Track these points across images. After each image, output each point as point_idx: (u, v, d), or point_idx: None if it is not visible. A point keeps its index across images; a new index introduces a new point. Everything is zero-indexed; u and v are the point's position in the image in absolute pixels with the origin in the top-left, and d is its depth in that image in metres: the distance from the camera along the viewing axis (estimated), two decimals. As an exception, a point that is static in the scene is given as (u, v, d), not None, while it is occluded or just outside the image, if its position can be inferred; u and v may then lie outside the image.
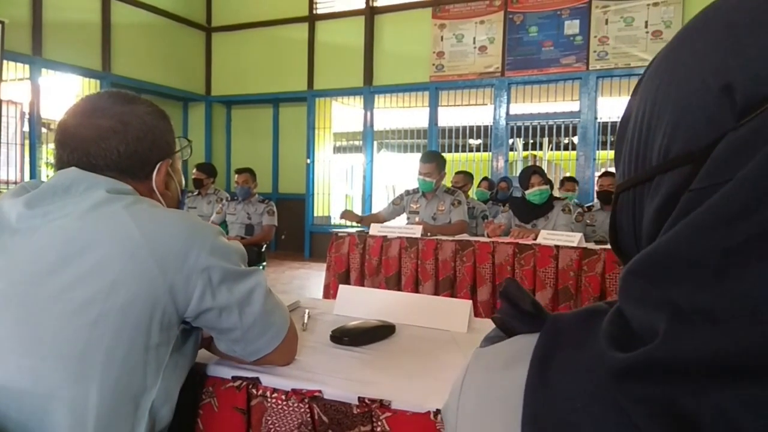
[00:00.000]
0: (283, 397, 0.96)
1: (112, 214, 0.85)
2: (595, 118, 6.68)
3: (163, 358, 0.87)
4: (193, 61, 8.81)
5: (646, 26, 6.29)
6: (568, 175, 7.02)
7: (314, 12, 8.22)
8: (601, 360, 0.29)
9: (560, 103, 7.05)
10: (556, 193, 5.23)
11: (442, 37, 7.34)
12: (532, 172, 3.96)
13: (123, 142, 0.93)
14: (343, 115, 8.91)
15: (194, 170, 5.05)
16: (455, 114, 7.67)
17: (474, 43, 7.16)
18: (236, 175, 4.75)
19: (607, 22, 6.49)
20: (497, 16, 7.03)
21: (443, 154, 8.02)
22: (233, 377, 1.00)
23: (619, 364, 0.28)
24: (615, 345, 0.29)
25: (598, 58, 6.54)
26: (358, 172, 8.25)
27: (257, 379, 0.98)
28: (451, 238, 3.68)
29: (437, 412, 0.86)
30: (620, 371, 0.27)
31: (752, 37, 0.28)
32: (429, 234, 3.80)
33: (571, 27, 6.65)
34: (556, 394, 0.31)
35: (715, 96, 0.29)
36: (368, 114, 7.94)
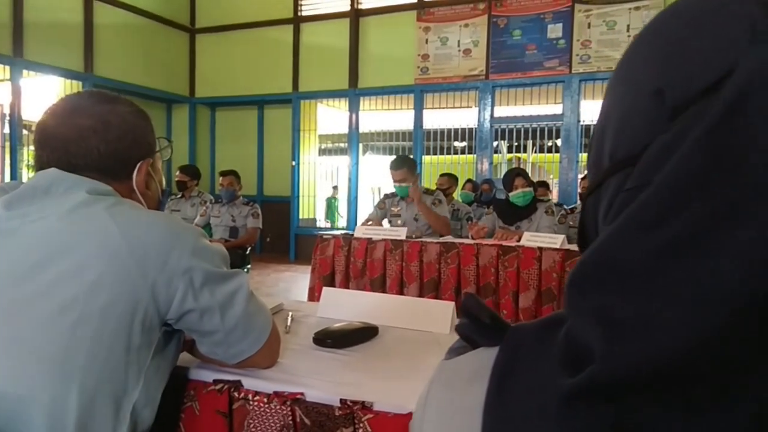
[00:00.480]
0: (265, 400, 0.95)
1: (93, 215, 0.85)
2: (578, 121, 6.75)
3: (145, 360, 0.86)
4: (177, 62, 8.75)
5: (627, 30, 6.37)
6: (542, 179, 7.09)
7: (299, 14, 8.20)
8: (554, 379, 0.29)
9: (544, 106, 7.11)
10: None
11: (426, 40, 7.37)
12: (516, 174, 3.99)
13: (103, 142, 0.92)
14: (329, 117, 8.91)
15: (177, 172, 5.01)
16: (440, 116, 7.70)
17: (458, 46, 7.20)
18: (221, 178, 4.72)
19: (589, 25, 6.56)
20: (481, 19, 7.07)
21: (428, 156, 8.11)
22: (215, 380, 1.00)
23: (565, 389, 0.27)
24: (563, 364, 0.29)
25: (580, 61, 6.61)
26: (343, 174, 8.24)
27: (239, 382, 0.98)
28: (435, 240, 3.70)
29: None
30: (566, 396, 0.27)
31: (678, 47, 0.30)
32: (414, 236, 3.81)
33: (554, 30, 6.72)
34: (513, 413, 0.31)
35: (650, 100, 0.31)
36: (353, 116, 7.94)
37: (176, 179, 4.96)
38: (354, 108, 7.91)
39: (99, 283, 0.80)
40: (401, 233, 3.76)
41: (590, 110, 6.77)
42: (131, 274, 0.82)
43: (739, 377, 0.24)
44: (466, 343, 0.41)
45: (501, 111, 7.36)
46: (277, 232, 8.36)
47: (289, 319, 1.36)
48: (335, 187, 10.53)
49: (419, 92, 7.48)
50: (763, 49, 0.26)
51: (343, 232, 4.22)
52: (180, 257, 0.86)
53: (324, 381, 0.99)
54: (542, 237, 3.48)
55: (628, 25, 6.37)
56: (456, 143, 7.96)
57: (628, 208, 0.28)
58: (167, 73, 8.48)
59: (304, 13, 8.21)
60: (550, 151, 8.56)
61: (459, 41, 7.20)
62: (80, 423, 0.79)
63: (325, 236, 4.02)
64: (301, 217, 8.40)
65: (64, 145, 0.91)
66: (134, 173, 0.97)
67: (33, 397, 0.77)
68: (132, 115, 0.97)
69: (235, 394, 0.98)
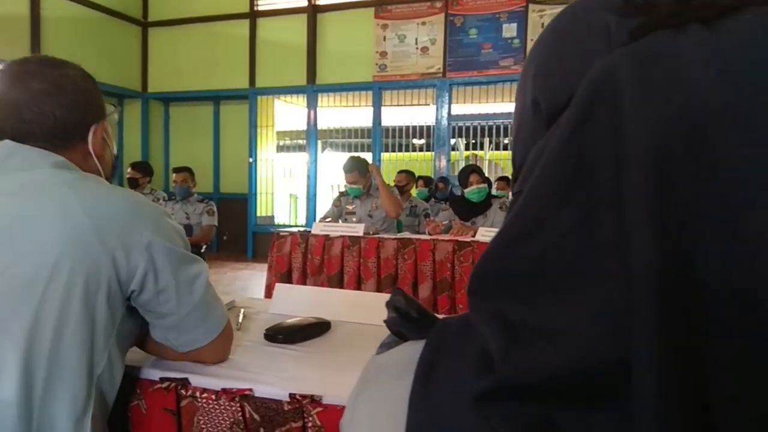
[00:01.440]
0: (213, 397, 0.95)
1: (53, 192, 0.84)
2: (533, 119, 6.89)
3: (109, 336, 0.86)
4: (129, 56, 8.50)
5: (579, 31, 6.54)
6: (503, 174, 7.22)
7: (255, 9, 8.09)
8: (470, 378, 0.30)
9: (500, 104, 7.23)
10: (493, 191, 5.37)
11: (384, 37, 7.38)
12: (471, 170, 4.05)
13: (58, 106, 0.90)
14: (286, 113, 8.82)
15: (129, 169, 4.87)
16: (399, 114, 7.73)
17: (416, 43, 7.24)
18: (174, 174, 4.62)
19: (543, 26, 6.70)
20: (438, 17, 7.13)
21: (387, 153, 8.12)
22: (161, 378, 0.98)
23: (477, 389, 0.28)
24: (477, 365, 0.30)
25: (535, 60, 6.75)
26: (302, 171, 8.18)
27: (186, 379, 0.97)
28: (392, 236, 3.72)
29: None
30: (478, 395, 0.28)
31: (549, 59, 0.32)
32: (371, 232, 3.83)
33: (509, 30, 6.83)
34: (436, 409, 0.31)
35: (531, 110, 0.33)
36: (312, 113, 7.89)
37: (127, 176, 4.82)
38: (312, 104, 7.86)
39: (62, 259, 0.80)
40: (359, 230, 3.77)
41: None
42: (94, 250, 0.82)
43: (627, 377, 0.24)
44: (396, 338, 0.41)
45: (458, 109, 7.44)
46: (234, 230, 8.24)
47: (241, 315, 1.35)
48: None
49: (377, 89, 7.49)
50: (609, 58, 0.27)
51: (303, 229, 4.21)
52: (142, 233, 0.86)
53: (274, 376, 0.99)
54: (496, 232, 3.54)
55: (580, 26, 6.53)
56: (415, 140, 8.01)
57: (506, 217, 0.30)
58: (118, 67, 8.23)
59: (260, 8, 8.10)
60: (506, 148, 8.70)
61: (417, 39, 7.24)
62: (47, 395, 0.79)
63: (282, 233, 3.99)
64: (259, 214, 8.30)
65: (18, 111, 0.88)
66: (89, 137, 0.95)
67: (1, 371, 0.77)
68: (82, 78, 0.95)
69: (183, 392, 0.97)
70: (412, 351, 0.36)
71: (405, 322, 0.40)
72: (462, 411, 0.30)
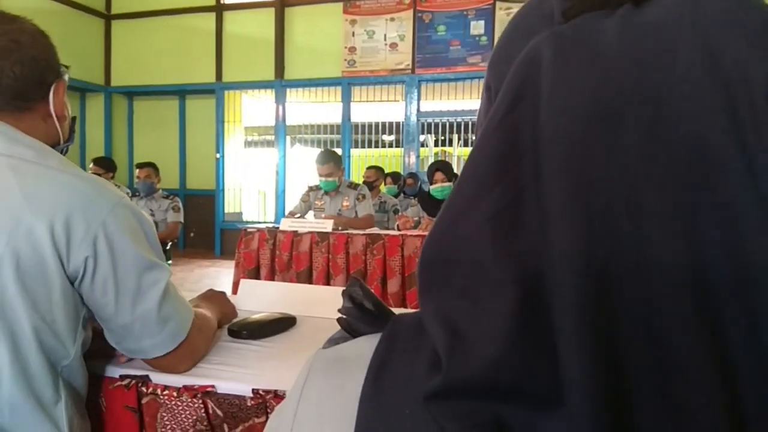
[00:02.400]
0: (175, 393, 0.94)
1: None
2: (501, 116, 6.96)
3: (76, 323, 0.84)
4: (91, 49, 8.29)
5: (545, 29, 6.63)
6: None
7: (221, 2, 7.97)
8: (421, 376, 0.30)
9: (468, 101, 7.28)
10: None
11: (353, 33, 7.36)
12: (436, 168, 4.08)
13: (18, 62, 0.84)
14: (254, 108, 8.73)
15: (91, 165, 4.75)
16: (368, 110, 7.73)
17: (385, 39, 7.24)
18: (137, 170, 4.53)
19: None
20: (407, 14, 7.14)
21: (357, 149, 8.11)
22: (121, 376, 0.97)
23: (427, 388, 0.29)
24: (431, 362, 0.30)
25: (502, 57, 6.81)
26: (271, 167, 8.10)
27: (147, 377, 0.96)
28: (361, 232, 3.72)
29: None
30: (428, 395, 0.29)
31: (502, 48, 0.35)
32: (340, 228, 3.82)
33: (477, 27, 6.89)
34: (386, 406, 0.31)
35: (485, 95, 0.35)
36: (280, 108, 7.82)
37: (90, 172, 4.70)
38: (281, 99, 7.79)
39: (7, 252, 0.76)
40: (327, 225, 3.76)
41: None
42: (40, 238, 0.77)
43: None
44: (346, 334, 0.41)
45: (427, 105, 7.47)
46: (201, 227, 8.13)
47: (205, 312, 1.33)
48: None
49: (347, 85, 7.46)
50: (536, 40, 0.28)
51: (271, 225, 4.17)
52: (90, 222, 0.81)
53: (237, 372, 0.98)
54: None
55: (546, 24, 6.62)
56: (384, 137, 8.02)
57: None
58: (81, 61, 8.01)
59: (226, 1, 7.98)
60: (474, 144, 8.77)
61: (386, 35, 7.24)
62: (15, 382, 0.78)
63: (249, 229, 3.96)
64: (226, 211, 8.20)
65: None
66: (50, 96, 0.90)
67: None
68: (40, 34, 0.90)
69: (144, 389, 0.95)
70: (365, 346, 0.35)
71: (360, 313, 0.40)
72: (413, 410, 0.29)
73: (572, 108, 0.25)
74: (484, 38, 6.86)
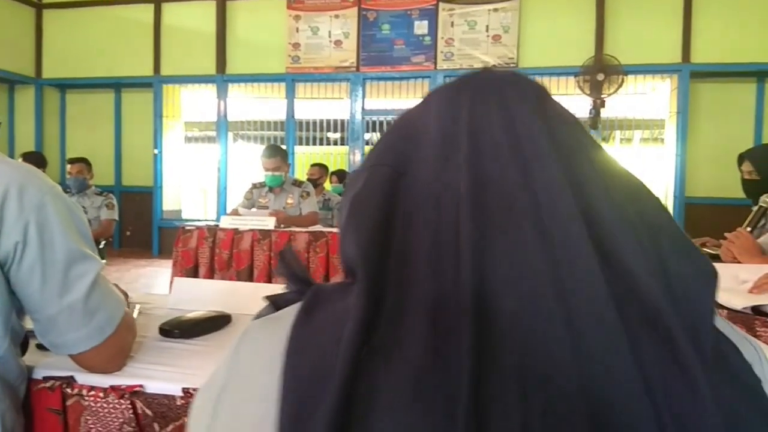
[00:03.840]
0: (101, 394, 0.91)
1: None
2: (444, 115, 7.05)
3: (4, 315, 0.84)
4: (21, 39, 7.85)
5: (487, 30, 6.77)
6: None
7: (161, -7, 7.72)
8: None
9: (412, 100, 7.30)
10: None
11: (297, 29, 7.29)
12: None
13: None
14: (195, 103, 8.49)
15: (20, 160, 4.52)
16: (313, 107, 7.67)
17: (329, 36, 7.21)
18: (69, 166, 4.35)
19: (452, 24, 6.88)
20: (351, 11, 7.14)
21: (301, 147, 8.04)
22: (45, 377, 0.93)
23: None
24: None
25: (444, 58, 6.92)
26: (212, 164, 7.91)
27: (72, 377, 0.93)
28: (304, 230, 3.70)
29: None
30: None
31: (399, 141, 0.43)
32: (282, 225, 3.78)
33: (421, 27, 6.96)
34: (316, 329, 0.36)
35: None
36: (222, 103, 7.65)
37: (18, 167, 4.47)
38: (222, 95, 7.63)
39: None
40: (270, 223, 3.72)
41: (454, 105, 7.08)
42: None
43: None
44: (273, 309, 0.44)
45: (372, 103, 7.49)
46: (138, 225, 7.85)
47: (136, 311, 1.30)
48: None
49: (290, 81, 7.39)
50: None
51: (213, 223, 4.08)
52: (23, 207, 0.81)
53: (166, 371, 0.96)
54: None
55: (487, 26, 6.76)
56: (329, 134, 7.98)
57: None
58: (9, 51, 7.58)
59: (166, -7, 7.73)
60: (418, 143, 8.85)
61: (330, 32, 7.21)
62: None
63: (187, 227, 3.86)
64: (165, 209, 7.95)
65: None
66: None
67: None
68: None
69: (68, 390, 0.92)
70: (290, 310, 0.40)
71: (292, 275, 0.45)
72: (337, 332, 0.34)
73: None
74: (427, 38, 6.94)
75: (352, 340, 0.32)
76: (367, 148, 7.96)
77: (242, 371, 0.37)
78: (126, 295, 1.27)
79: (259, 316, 0.43)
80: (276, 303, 0.44)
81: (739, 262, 1.96)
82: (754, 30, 6.08)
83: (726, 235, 2.09)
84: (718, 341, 0.35)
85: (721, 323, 0.37)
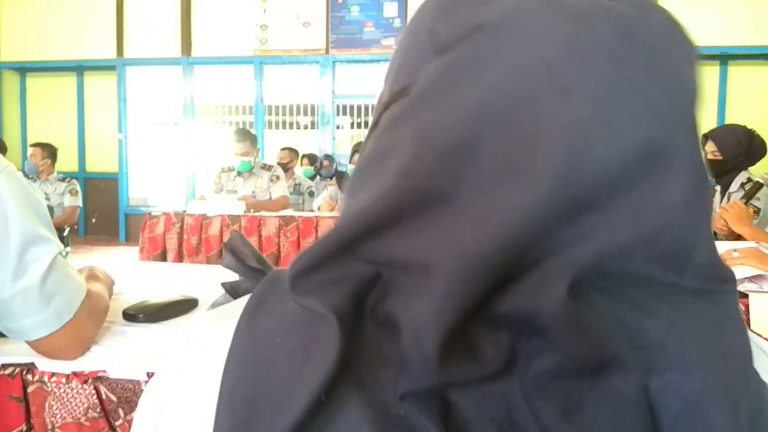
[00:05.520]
0: (64, 380, 0.90)
1: None
2: (414, 99, 7.04)
3: None
4: (-26, 20, 7.55)
5: (457, 13, 6.74)
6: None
7: (122, -28, 7.49)
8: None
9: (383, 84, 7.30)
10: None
11: (265, 10, 7.16)
12: (356, 150, 4.10)
13: None
14: (161, 86, 8.28)
15: (-23, 145, 4.38)
16: (282, 91, 7.56)
17: (298, 18, 7.10)
18: (31, 149, 4.23)
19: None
20: (320, -8, 7.04)
21: (271, 131, 7.93)
22: (4, 364, 0.91)
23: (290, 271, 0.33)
24: None
25: (415, 41, 6.87)
26: (179, 149, 7.76)
27: (32, 364, 0.91)
28: (275, 214, 3.67)
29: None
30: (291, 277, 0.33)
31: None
32: (252, 210, 3.75)
33: (390, 9, 6.90)
34: (259, 334, 0.32)
35: (425, 38, 0.34)
36: (188, 87, 7.49)
37: (-25, 153, 4.33)
38: (188, 78, 7.47)
39: None
40: (239, 208, 3.68)
41: (425, 88, 7.07)
42: None
43: None
44: (229, 297, 0.41)
45: (342, 87, 7.42)
46: (104, 212, 7.68)
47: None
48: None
49: (258, 64, 7.27)
50: None
51: (181, 209, 4.01)
52: None
53: (130, 356, 0.95)
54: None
55: (457, 9, 6.73)
56: (299, 119, 7.89)
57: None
58: (-37, 31, 7.29)
59: (128, -28, 7.50)
60: (389, 127, 8.82)
61: (298, 14, 7.09)
62: None
63: (154, 213, 3.79)
64: (131, 195, 7.79)
65: None
66: None
67: None
68: None
69: (29, 377, 0.91)
70: (242, 302, 0.36)
71: (243, 268, 0.40)
72: (283, 338, 0.31)
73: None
74: (397, 20, 6.89)
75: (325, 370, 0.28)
76: (338, 132, 7.95)
77: (186, 378, 0.34)
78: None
79: (214, 305, 0.41)
80: (233, 291, 0.41)
81: (731, 232, 2.17)
82: (718, 12, 6.20)
83: (722, 205, 2.34)
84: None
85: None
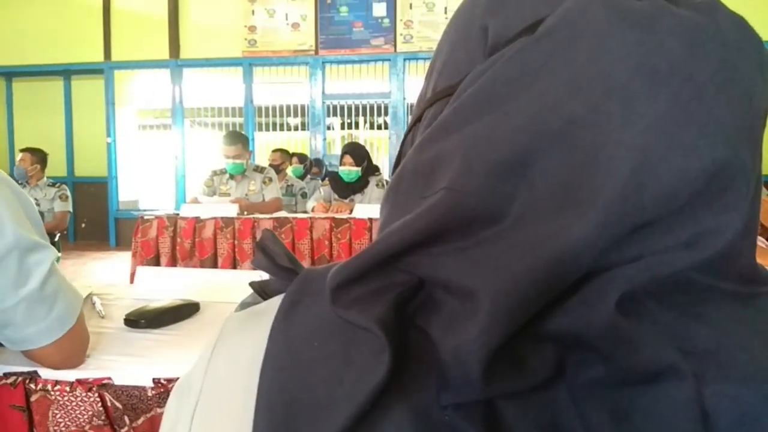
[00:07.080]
0: (68, 388, 0.88)
1: None
2: (404, 99, 7.05)
3: None
4: (-42, 24, 7.45)
5: (445, 12, 6.75)
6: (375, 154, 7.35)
7: (109, -25, 7.42)
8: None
9: (373, 84, 7.30)
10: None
11: (253, 11, 7.13)
12: (346, 151, 4.09)
13: None
14: (149, 89, 8.23)
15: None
16: (272, 92, 7.53)
17: (287, 19, 7.08)
18: (20, 154, 4.18)
19: (411, 6, 6.84)
20: (309, -7, 7.02)
21: (261, 133, 7.90)
22: (6, 373, 0.90)
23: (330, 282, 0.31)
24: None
25: (404, 41, 6.88)
26: (169, 152, 7.71)
27: (35, 372, 0.89)
28: (268, 216, 3.66)
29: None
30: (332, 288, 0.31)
31: None
32: (246, 212, 3.72)
33: (379, 9, 6.90)
34: (296, 335, 0.31)
35: (476, 35, 0.33)
36: (177, 89, 7.44)
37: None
38: (177, 80, 7.42)
39: None
40: (232, 210, 3.66)
41: (416, 88, 7.09)
42: None
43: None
44: (258, 297, 0.40)
45: (332, 87, 7.41)
46: (94, 217, 7.61)
47: (98, 303, 1.26)
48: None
49: (248, 65, 7.23)
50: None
51: (173, 212, 3.98)
52: None
53: (135, 362, 0.94)
54: (373, 208, 3.61)
55: (446, 7, 6.75)
56: (289, 120, 7.87)
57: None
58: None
59: (114, -25, 7.44)
60: (380, 128, 8.83)
61: (287, 14, 7.07)
62: None
63: (146, 217, 3.76)
64: (121, 199, 7.72)
65: None
66: None
67: None
68: None
69: (32, 386, 0.89)
70: (275, 302, 0.35)
71: (273, 266, 0.39)
72: (321, 341, 0.30)
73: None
74: (386, 20, 6.89)
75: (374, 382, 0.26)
76: (329, 133, 7.94)
77: (218, 379, 0.33)
78: None
79: (242, 305, 0.40)
80: (262, 291, 0.40)
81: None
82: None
83: None
84: None
85: None
